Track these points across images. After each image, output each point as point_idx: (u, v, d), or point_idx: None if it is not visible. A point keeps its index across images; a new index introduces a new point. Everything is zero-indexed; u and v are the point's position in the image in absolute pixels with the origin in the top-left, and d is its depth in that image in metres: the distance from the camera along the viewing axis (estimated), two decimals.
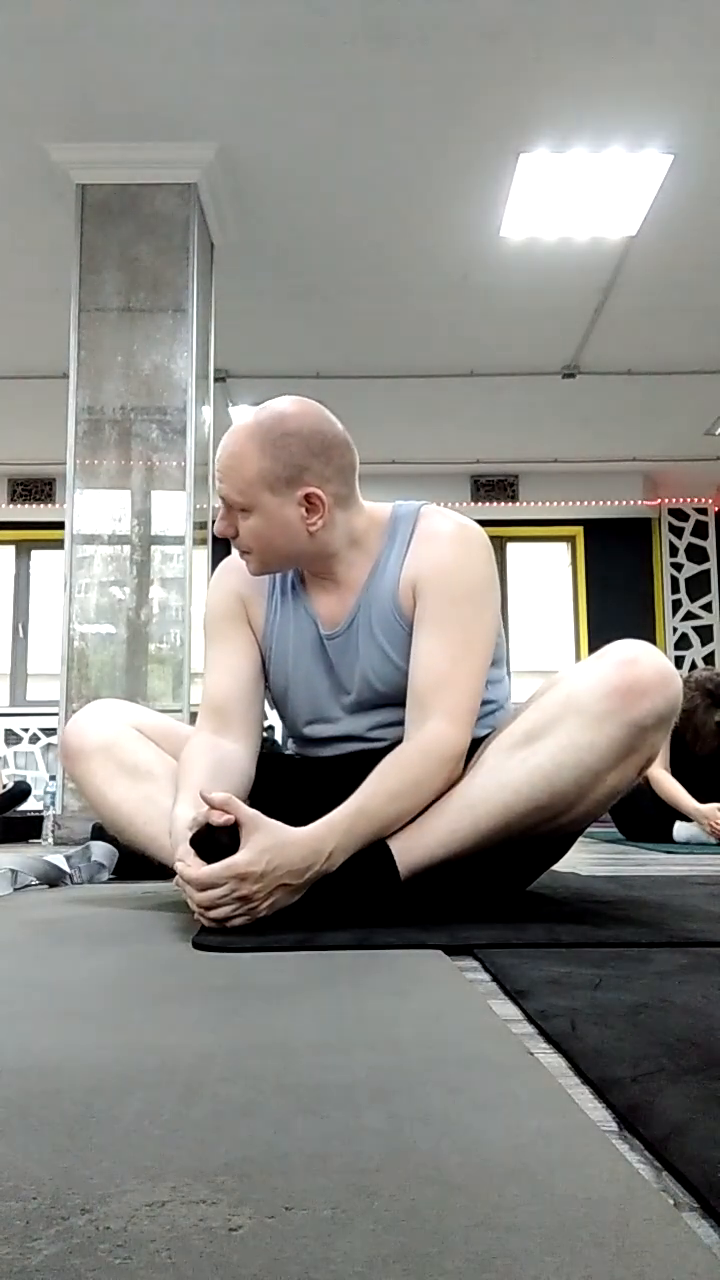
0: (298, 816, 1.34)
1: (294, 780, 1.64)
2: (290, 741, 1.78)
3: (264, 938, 1.21)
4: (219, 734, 1.57)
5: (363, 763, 1.43)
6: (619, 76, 3.64)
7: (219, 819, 1.26)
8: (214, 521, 1.59)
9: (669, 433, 7.09)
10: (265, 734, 1.73)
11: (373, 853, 1.36)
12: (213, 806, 1.26)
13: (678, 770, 3.85)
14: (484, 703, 1.56)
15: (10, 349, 5.78)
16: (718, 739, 3.87)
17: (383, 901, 1.36)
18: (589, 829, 1.71)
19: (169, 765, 1.61)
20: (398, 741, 1.47)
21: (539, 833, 1.44)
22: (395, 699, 1.53)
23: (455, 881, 1.46)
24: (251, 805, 1.32)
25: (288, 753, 1.82)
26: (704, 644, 7.97)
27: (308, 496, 1.49)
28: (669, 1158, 0.54)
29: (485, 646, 1.52)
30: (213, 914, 1.25)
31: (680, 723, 3.79)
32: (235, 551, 1.65)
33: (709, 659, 7.89)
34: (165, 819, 1.48)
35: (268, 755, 1.67)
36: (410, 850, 1.38)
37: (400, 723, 1.50)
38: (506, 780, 1.39)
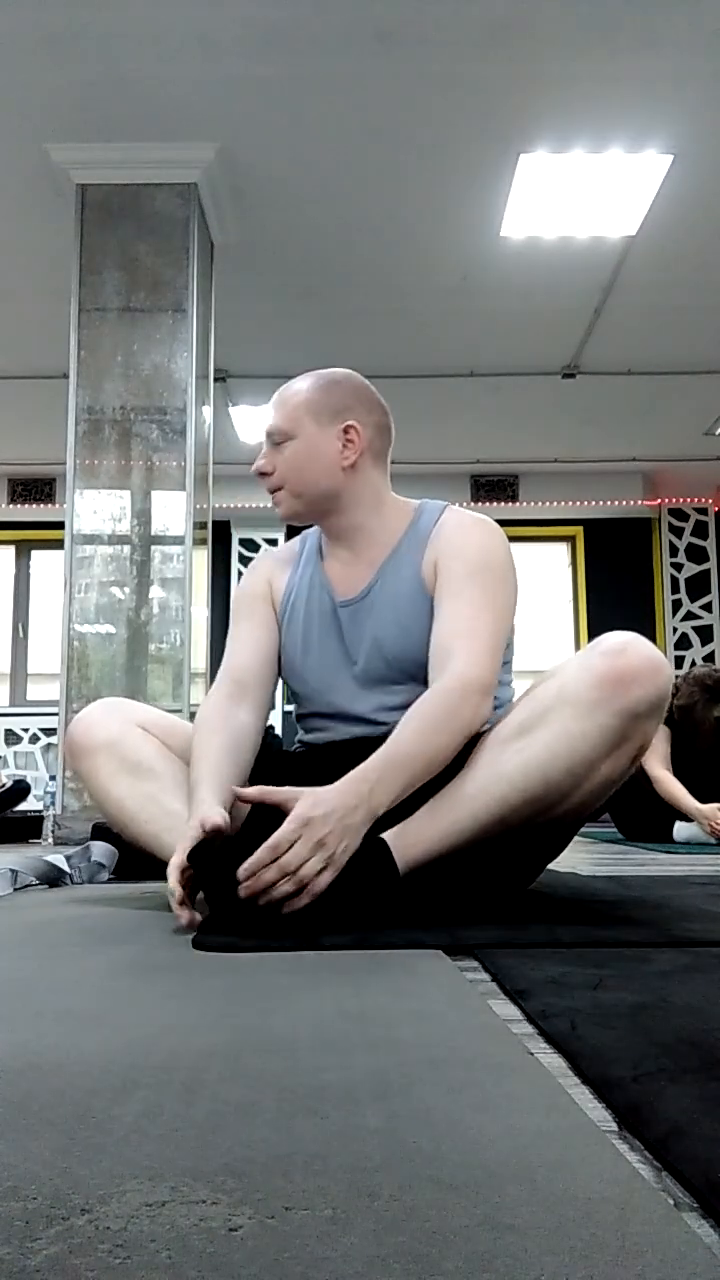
0: None
1: (296, 775, 1.65)
2: (298, 725, 1.80)
3: (264, 938, 1.21)
4: (234, 701, 1.62)
5: (364, 750, 1.44)
6: (619, 76, 3.64)
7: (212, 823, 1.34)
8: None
9: (669, 433, 7.09)
10: (264, 734, 1.74)
11: (371, 849, 1.36)
12: (245, 800, 1.35)
13: (678, 768, 3.85)
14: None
15: (10, 349, 5.78)
16: (717, 734, 3.88)
17: (382, 898, 1.36)
18: (589, 829, 1.72)
19: (172, 763, 1.63)
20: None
21: (536, 824, 1.44)
22: (401, 672, 1.58)
23: (456, 880, 1.46)
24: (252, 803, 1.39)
25: (292, 747, 1.82)
26: (704, 644, 7.97)
27: (346, 429, 1.61)
28: (669, 1158, 0.54)
29: (505, 610, 1.56)
30: (275, 893, 1.25)
31: (680, 718, 3.82)
32: (266, 555, 1.79)
33: (709, 659, 7.89)
34: (166, 817, 1.52)
35: (272, 752, 1.70)
36: (408, 846, 1.39)
37: (405, 705, 1.50)
38: (502, 772, 1.40)
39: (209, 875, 1.32)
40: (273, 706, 1.79)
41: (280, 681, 1.78)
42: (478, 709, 1.43)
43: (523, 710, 1.45)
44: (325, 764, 1.55)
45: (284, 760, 1.74)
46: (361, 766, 1.35)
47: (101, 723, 1.68)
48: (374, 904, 1.35)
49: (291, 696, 1.79)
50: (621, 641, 1.40)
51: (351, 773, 1.34)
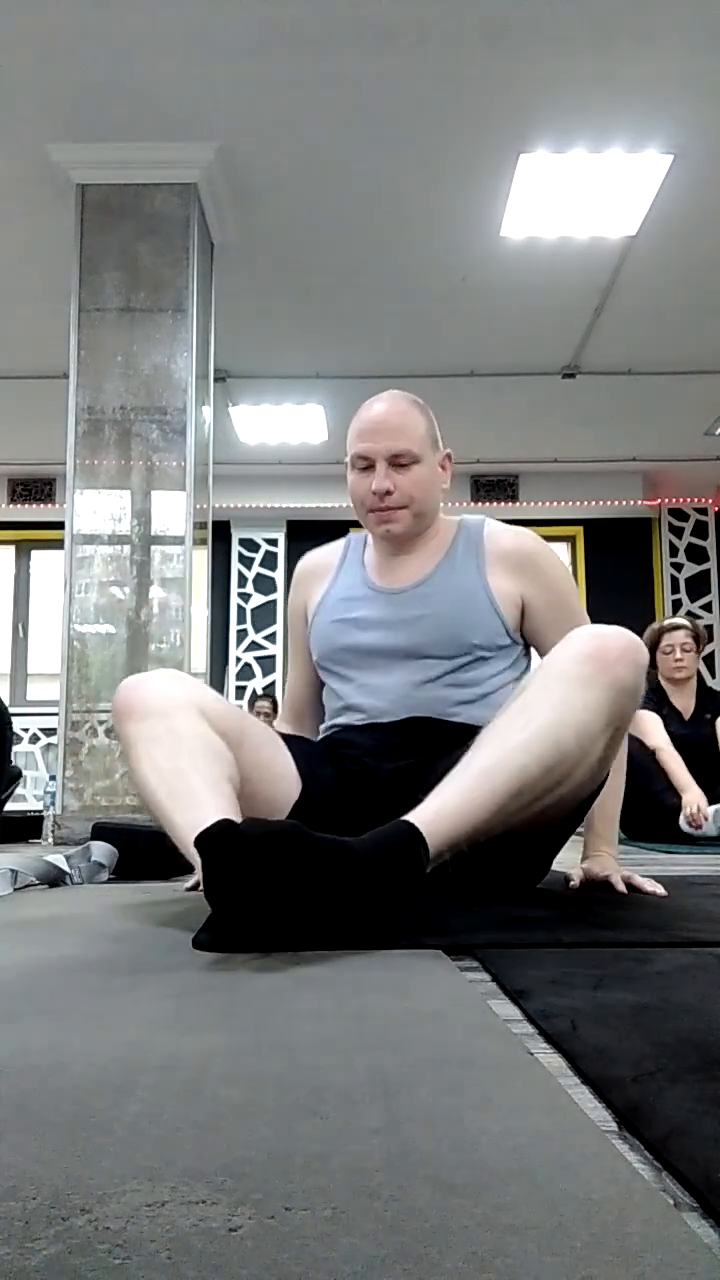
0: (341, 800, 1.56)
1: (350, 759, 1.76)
2: (331, 719, 1.85)
3: (264, 938, 1.20)
4: (299, 727, 1.94)
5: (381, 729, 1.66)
6: (619, 76, 3.64)
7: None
8: (363, 490, 1.77)
9: (669, 433, 7.09)
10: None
11: (400, 832, 1.30)
12: None
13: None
14: (501, 688, 1.74)
15: (10, 349, 5.78)
16: (699, 702, 4.09)
17: (413, 881, 1.28)
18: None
19: (215, 748, 1.53)
20: (413, 720, 1.69)
21: (546, 801, 1.43)
22: (444, 649, 1.72)
23: (462, 877, 1.45)
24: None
25: (321, 737, 1.86)
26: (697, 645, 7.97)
27: (448, 456, 1.82)
28: (669, 1158, 0.54)
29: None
30: None
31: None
32: (312, 552, 1.96)
33: (709, 659, 7.89)
34: (189, 795, 1.43)
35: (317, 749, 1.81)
36: (433, 822, 1.32)
37: (431, 681, 1.71)
38: (515, 744, 1.40)
39: (218, 870, 1.19)
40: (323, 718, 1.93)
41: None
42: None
43: (519, 698, 1.49)
44: (367, 742, 1.73)
45: (337, 758, 1.78)
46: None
47: (160, 692, 1.58)
48: (406, 888, 1.27)
49: (331, 675, 1.86)
50: (599, 628, 1.51)
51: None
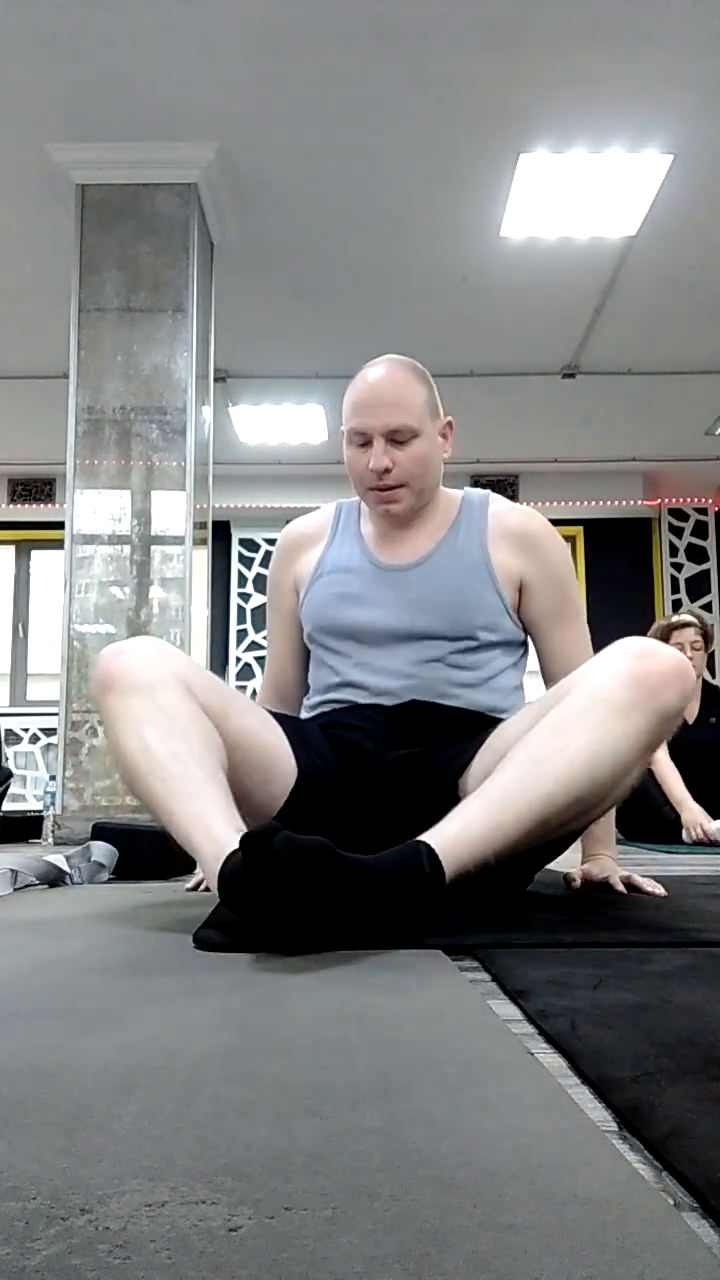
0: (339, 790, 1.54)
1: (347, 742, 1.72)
2: (320, 696, 1.79)
3: (264, 938, 1.20)
4: (281, 705, 1.86)
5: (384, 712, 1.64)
6: (619, 76, 3.64)
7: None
8: (363, 467, 1.70)
9: (669, 433, 7.09)
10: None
11: (419, 855, 1.26)
12: None
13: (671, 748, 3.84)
14: (503, 672, 1.74)
15: (10, 349, 5.77)
16: (702, 710, 4.02)
17: (426, 903, 1.25)
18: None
19: (205, 727, 1.47)
20: (413, 704, 1.66)
21: (571, 828, 1.40)
22: (442, 629, 1.68)
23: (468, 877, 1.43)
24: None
25: (314, 715, 1.80)
26: (705, 644, 7.96)
27: (449, 424, 1.75)
28: (669, 1158, 0.53)
29: (580, 599, 1.82)
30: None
31: None
32: (297, 521, 1.92)
33: (709, 660, 7.88)
34: (175, 781, 1.38)
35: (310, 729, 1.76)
36: (452, 846, 1.28)
37: (433, 660, 1.67)
38: (546, 770, 1.33)
39: (249, 883, 1.14)
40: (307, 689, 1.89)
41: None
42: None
43: (554, 714, 1.39)
44: (359, 727, 1.68)
45: (327, 740, 1.71)
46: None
47: (144, 663, 1.48)
48: (417, 907, 1.24)
49: (324, 649, 1.78)
50: (646, 645, 1.41)
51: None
